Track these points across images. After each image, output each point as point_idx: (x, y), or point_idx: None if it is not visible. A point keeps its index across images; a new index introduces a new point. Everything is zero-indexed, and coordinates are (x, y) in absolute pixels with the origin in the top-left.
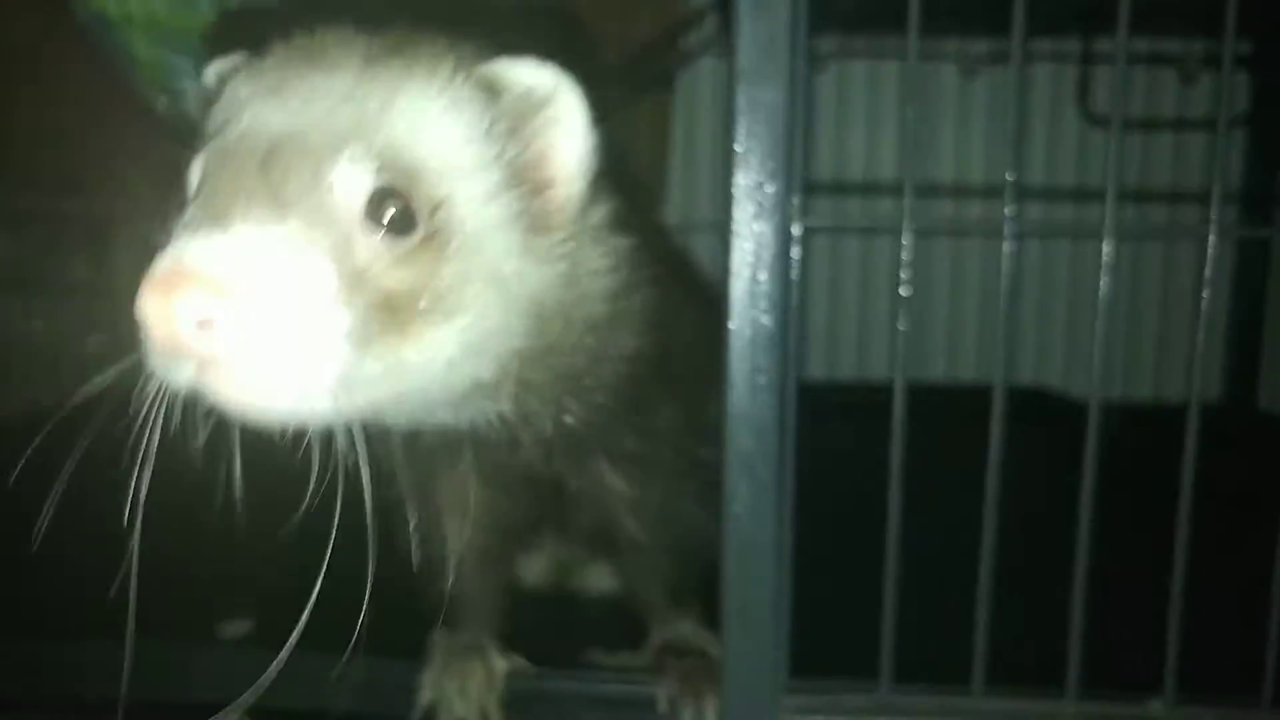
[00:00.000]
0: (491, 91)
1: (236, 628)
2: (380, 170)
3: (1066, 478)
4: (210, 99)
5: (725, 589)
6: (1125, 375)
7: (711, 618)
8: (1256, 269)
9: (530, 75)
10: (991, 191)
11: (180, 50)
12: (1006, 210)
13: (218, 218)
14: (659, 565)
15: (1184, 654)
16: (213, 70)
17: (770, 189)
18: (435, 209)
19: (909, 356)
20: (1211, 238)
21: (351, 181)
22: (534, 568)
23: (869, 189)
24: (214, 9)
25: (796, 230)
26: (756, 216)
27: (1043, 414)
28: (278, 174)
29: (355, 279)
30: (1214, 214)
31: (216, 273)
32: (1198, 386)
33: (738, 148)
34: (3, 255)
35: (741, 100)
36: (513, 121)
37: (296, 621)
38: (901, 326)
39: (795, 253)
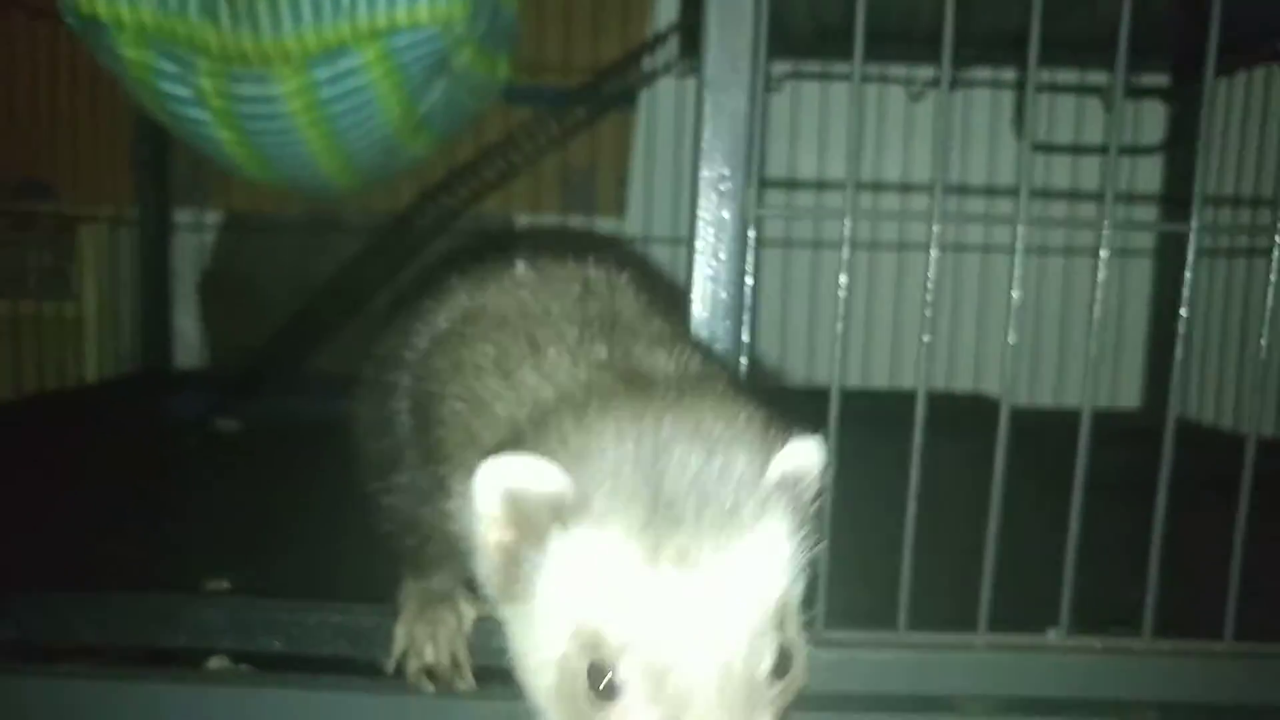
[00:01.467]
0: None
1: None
2: (777, 631)
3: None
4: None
5: None
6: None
7: None
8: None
9: (815, 456)
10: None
11: (165, 52)
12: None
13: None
14: None
15: (1079, 595)
16: (506, 481)
17: (730, 181)
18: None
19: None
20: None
21: (767, 658)
22: None
23: (821, 184)
24: (201, 17)
25: (751, 214)
26: (719, 205)
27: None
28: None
29: None
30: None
31: None
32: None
33: (704, 145)
34: None
35: (708, 105)
36: (796, 492)
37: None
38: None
39: (751, 234)
